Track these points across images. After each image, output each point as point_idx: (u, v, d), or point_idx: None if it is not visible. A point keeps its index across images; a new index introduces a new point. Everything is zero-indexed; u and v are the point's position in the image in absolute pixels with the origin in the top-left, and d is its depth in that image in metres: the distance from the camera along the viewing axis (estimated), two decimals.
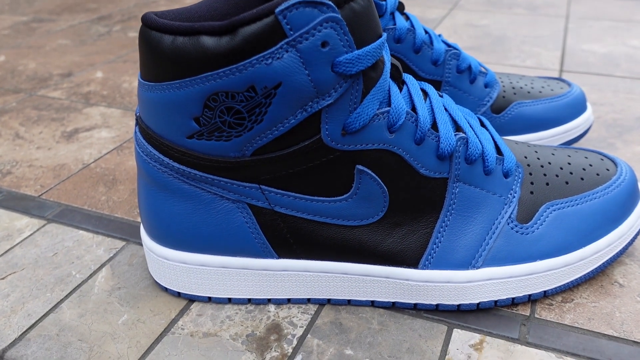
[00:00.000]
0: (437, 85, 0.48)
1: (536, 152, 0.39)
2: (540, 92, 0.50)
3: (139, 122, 0.34)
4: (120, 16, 1.11)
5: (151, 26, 0.30)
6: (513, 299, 0.35)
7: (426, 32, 0.48)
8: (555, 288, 0.36)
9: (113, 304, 0.36)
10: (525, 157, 0.38)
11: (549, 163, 0.38)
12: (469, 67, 0.48)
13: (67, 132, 0.62)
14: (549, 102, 0.49)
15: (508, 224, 0.35)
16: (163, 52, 0.29)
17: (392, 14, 0.46)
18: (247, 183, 0.33)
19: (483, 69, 0.49)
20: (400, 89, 0.34)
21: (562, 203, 0.36)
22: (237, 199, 0.33)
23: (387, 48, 0.34)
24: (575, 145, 0.54)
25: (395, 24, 0.45)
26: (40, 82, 0.77)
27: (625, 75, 0.72)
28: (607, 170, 0.39)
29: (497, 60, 0.79)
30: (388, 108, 0.32)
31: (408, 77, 0.35)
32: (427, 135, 0.33)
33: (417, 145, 0.33)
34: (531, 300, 0.36)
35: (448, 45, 0.49)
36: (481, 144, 0.35)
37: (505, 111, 0.48)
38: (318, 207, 0.33)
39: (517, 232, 0.35)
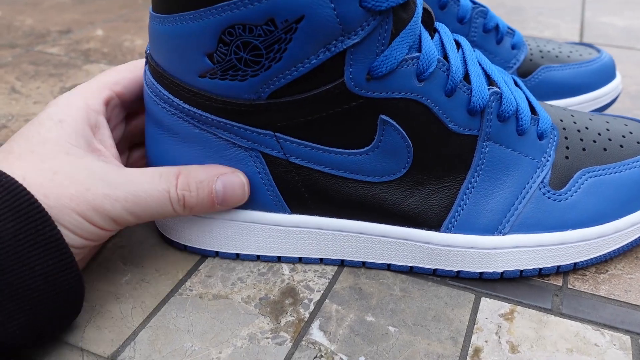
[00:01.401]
0: None
1: (572, 116, 0.36)
2: (568, 56, 0.47)
3: (148, 60, 0.31)
4: None
5: None
6: (540, 269, 0.33)
7: None
8: (586, 260, 0.33)
9: (116, 263, 0.34)
10: (561, 120, 0.35)
11: (586, 128, 0.35)
12: (496, 27, 0.45)
13: (66, 87, 0.59)
14: (578, 67, 0.47)
15: (540, 189, 0.32)
16: None
17: None
18: (262, 129, 0.30)
19: (510, 30, 0.46)
20: (432, 37, 0.31)
21: (599, 170, 0.34)
22: (250, 147, 0.31)
23: None
24: None
25: None
26: (38, 38, 0.74)
27: None
28: None
29: None
30: (418, 54, 0.29)
31: (441, 26, 0.32)
32: (458, 86, 0.30)
33: (448, 97, 0.30)
34: (559, 271, 0.33)
35: (475, 3, 0.45)
36: (516, 101, 0.32)
37: (532, 75, 0.46)
38: (336, 160, 0.31)
39: (549, 198, 0.32)
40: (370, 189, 0.31)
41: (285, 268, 0.33)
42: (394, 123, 0.30)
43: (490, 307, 0.31)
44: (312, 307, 0.31)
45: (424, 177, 0.31)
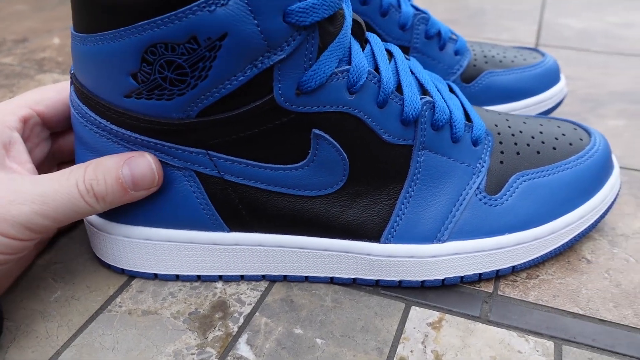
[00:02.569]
0: (405, 52, 0.45)
1: (507, 120, 0.37)
2: (512, 61, 0.48)
3: (73, 81, 0.31)
4: None
5: None
6: (480, 274, 0.33)
7: None
8: (524, 263, 0.34)
9: (47, 280, 0.33)
10: (496, 125, 0.36)
11: (520, 132, 0.36)
12: (439, 33, 0.45)
13: None
14: (521, 71, 0.47)
15: (476, 195, 0.33)
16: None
17: None
18: (194, 148, 0.30)
19: (453, 36, 0.47)
20: (363, 48, 0.31)
21: (533, 173, 0.34)
22: (183, 166, 0.30)
23: (349, 3, 0.31)
24: None
25: None
26: None
27: (600, 51, 0.71)
28: (581, 140, 0.37)
29: (472, 33, 0.77)
30: (348, 67, 0.29)
31: (372, 36, 0.33)
32: (390, 97, 0.30)
33: (380, 108, 0.30)
34: (498, 275, 0.34)
35: (417, 9, 0.46)
36: (449, 109, 0.33)
37: (475, 80, 0.46)
38: (272, 176, 0.31)
39: (485, 203, 0.33)
40: (308, 204, 0.31)
41: (219, 282, 0.33)
42: (328, 137, 0.30)
43: (419, 316, 0.31)
44: (241, 320, 0.31)
45: (362, 189, 0.31)
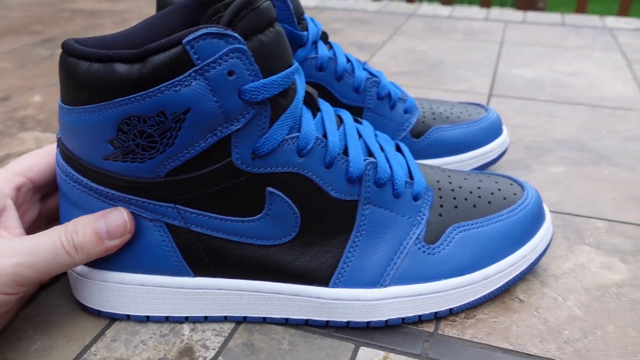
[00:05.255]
0: (359, 112, 0.50)
1: (449, 176, 0.41)
2: (458, 117, 0.53)
3: (59, 144, 0.35)
4: (65, 39, 1.11)
5: (70, 52, 0.31)
6: (420, 316, 0.37)
7: (348, 60, 0.50)
8: (461, 306, 0.38)
9: (27, 332, 0.36)
10: (438, 181, 0.40)
11: (460, 187, 0.40)
12: (389, 94, 0.50)
13: None
14: (466, 126, 0.52)
15: (415, 245, 0.37)
16: (80, 78, 0.30)
17: (315, 43, 0.48)
18: (164, 203, 0.34)
19: (403, 96, 0.51)
20: (314, 115, 0.36)
21: (468, 225, 0.38)
22: (154, 218, 0.34)
23: (302, 76, 0.36)
24: (493, 167, 0.57)
25: (317, 53, 0.47)
26: None
27: (548, 99, 0.76)
28: (515, 194, 0.41)
29: (431, 84, 0.83)
30: (298, 134, 0.33)
31: (324, 104, 0.37)
32: (336, 159, 0.34)
33: (327, 169, 0.34)
34: (437, 317, 0.37)
35: (371, 73, 0.51)
36: (391, 168, 0.37)
37: (424, 135, 0.51)
38: (232, 227, 0.34)
39: (424, 252, 0.37)
40: (264, 252, 0.35)
41: (186, 329, 0.37)
42: (280, 194, 0.34)
43: (367, 356, 0.35)
44: None
45: (312, 239, 0.35)
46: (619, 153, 0.61)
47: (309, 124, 0.34)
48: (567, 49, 1.00)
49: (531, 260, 0.40)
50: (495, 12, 1.29)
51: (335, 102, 0.49)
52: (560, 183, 0.55)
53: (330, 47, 0.50)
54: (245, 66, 0.30)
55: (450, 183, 0.40)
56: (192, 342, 0.36)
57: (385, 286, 0.36)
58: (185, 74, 0.29)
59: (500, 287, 0.39)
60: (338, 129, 0.36)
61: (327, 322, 0.37)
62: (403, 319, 0.37)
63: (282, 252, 0.35)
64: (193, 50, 0.29)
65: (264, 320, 0.37)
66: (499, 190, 0.41)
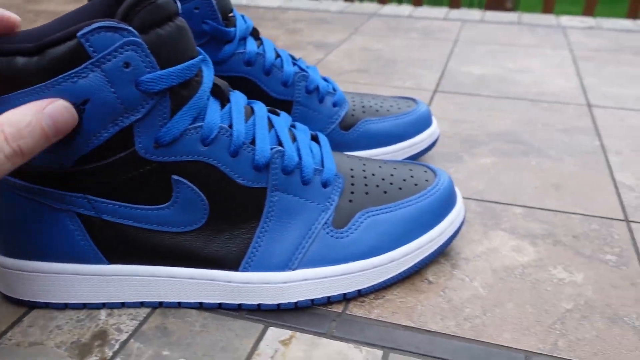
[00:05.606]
0: (289, 105, 0.51)
1: (364, 164, 0.43)
2: (388, 110, 0.55)
3: None
4: None
5: None
6: (329, 297, 0.38)
7: (278, 55, 0.52)
8: (369, 287, 0.39)
9: None
10: (352, 169, 0.42)
11: (373, 174, 0.42)
12: (317, 88, 0.52)
13: None
14: (395, 119, 0.54)
15: (324, 229, 0.38)
16: None
17: (244, 39, 0.49)
18: (74, 193, 0.35)
19: (333, 90, 0.53)
20: (223, 107, 0.37)
21: (376, 210, 0.40)
22: (66, 208, 0.35)
23: (211, 69, 0.37)
24: (424, 158, 0.59)
25: (245, 49, 0.49)
26: None
27: (491, 95, 0.78)
28: (426, 180, 0.43)
29: (382, 81, 0.84)
30: (202, 123, 0.35)
31: (235, 96, 0.39)
32: (242, 148, 0.36)
33: (233, 157, 0.36)
34: (346, 298, 0.39)
35: (301, 68, 0.52)
36: (300, 157, 0.39)
37: (353, 128, 0.53)
38: (142, 215, 0.36)
39: (332, 236, 0.38)
40: (176, 238, 0.37)
41: (103, 314, 0.38)
42: (187, 182, 0.35)
43: (274, 335, 0.36)
44: (117, 346, 0.35)
45: (223, 225, 0.37)
46: (549, 144, 0.63)
47: (215, 114, 0.36)
48: (519, 46, 1.03)
49: (440, 243, 0.42)
50: (455, 12, 1.32)
51: (264, 96, 0.51)
52: (488, 173, 0.57)
53: (261, 42, 0.52)
54: (142, 58, 0.31)
55: (364, 171, 0.42)
56: (107, 326, 0.37)
57: (294, 269, 0.38)
58: (82, 66, 0.31)
59: (408, 268, 0.40)
60: (247, 120, 0.38)
61: (240, 305, 0.38)
62: (312, 300, 0.38)
63: (193, 239, 0.37)
64: (88, 43, 0.30)
65: (179, 305, 0.39)
66: (412, 177, 0.43)
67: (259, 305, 0.38)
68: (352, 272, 0.38)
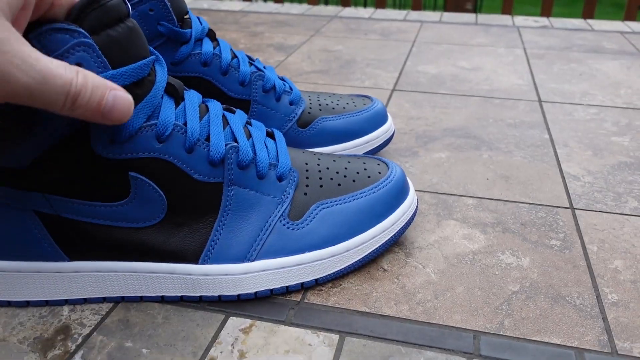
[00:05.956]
0: (247, 104, 0.52)
1: (319, 159, 0.45)
2: (344, 107, 0.56)
3: None
4: None
5: None
6: (287, 287, 0.40)
7: (235, 56, 0.53)
8: (326, 276, 0.41)
9: None
10: (306, 164, 0.43)
11: (327, 168, 0.44)
12: (274, 87, 0.53)
13: None
14: (351, 116, 0.56)
15: (280, 221, 0.40)
16: None
17: (201, 40, 0.51)
18: (32, 192, 0.35)
19: (289, 89, 0.55)
20: (177, 105, 0.38)
21: (330, 202, 0.42)
22: (24, 207, 0.36)
23: (164, 68, 0.38)
24: (381, 154, 0.60)
25: (201, 50, 0.50)
26: None
27: (446, 93, 0.81)
28: (379, 173, 0.45)
29: (340, 81, 0.86)
30: (156, 121, 0.36)
31: (189, 95, 0.40)
32: (197, 144, 0.37)
33: (188, 153, 0.37)
34: (304, 287, 0.41)
35: (258, 68, 0.54)
36: (255, 152, 0.40)
37: (310, 126, 0.54)
38: (101, 212, 0.37)
39: (288, 228, 0.40)
40: (135, 234, 0.38)
41: (66, 310, 0.39)
42: (143, 178, 0.36)
43: (234, 324, 0.37)
44: (80, 340, 0.36)
45: (181, 220, 0.38)
46: (499, 138, 0.66)
47: (169, 112, 0.37)
48: (473, 46, 1.06)
49: (393, 233, 0.43)
50: (414, 13, 1.35)
51: (222, 96, 0.52)
52: (442, 167, 0.59)
53: (217, 44, 0.53)
54: (93, 59, 0.32)
55: (318, 165, 0.44)
56: (69, 321, 0.38)
57: (253, 260, 0.39)
58: None
59: (363, 257, 0.42)
60: (202, 118, 0.39)
61: (201, 297, 0.39)
62: (271, 290, 0.40)
63: (152, 234, 0.38)
64: (40, 45, 0.31)
65: (142, 299, 0.39)
66: (365, 170, 0.45)
67: (219, 296, 0.39)
68: (308, 262, 0.40)
